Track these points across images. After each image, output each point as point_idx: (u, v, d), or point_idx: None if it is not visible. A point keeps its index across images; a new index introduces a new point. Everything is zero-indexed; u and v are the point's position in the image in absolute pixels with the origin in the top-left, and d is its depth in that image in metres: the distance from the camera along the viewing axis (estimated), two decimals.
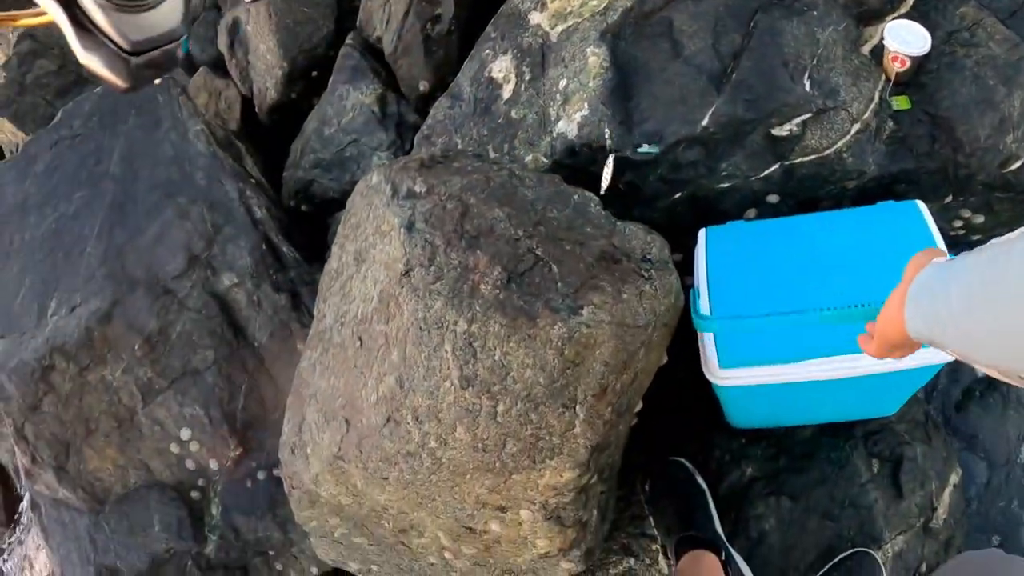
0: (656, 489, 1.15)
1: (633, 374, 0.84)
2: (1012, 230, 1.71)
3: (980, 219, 1.46)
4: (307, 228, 1.71)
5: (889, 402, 1.20)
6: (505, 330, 0.81)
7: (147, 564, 1.44)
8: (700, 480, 1.14)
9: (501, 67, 1.32)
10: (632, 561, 1.14)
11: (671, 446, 1.18)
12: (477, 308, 0.83)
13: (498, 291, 0.82)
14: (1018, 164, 1.31)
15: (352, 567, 1.33)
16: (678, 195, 1.18)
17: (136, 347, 1.39)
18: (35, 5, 0.49)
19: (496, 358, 0.83)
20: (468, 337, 0.84)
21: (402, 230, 0.92)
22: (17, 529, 1.80)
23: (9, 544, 1.79)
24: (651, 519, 1.15)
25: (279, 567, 1.56)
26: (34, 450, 1.44)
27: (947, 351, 0.54)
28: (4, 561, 1.76)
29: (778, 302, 0.96)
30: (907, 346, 0.65)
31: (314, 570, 1.52)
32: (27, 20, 0.55)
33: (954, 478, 1.43)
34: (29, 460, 1.45)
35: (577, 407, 0.82)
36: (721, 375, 0.92)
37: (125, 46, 0.50)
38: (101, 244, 1.46)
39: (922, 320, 0.54)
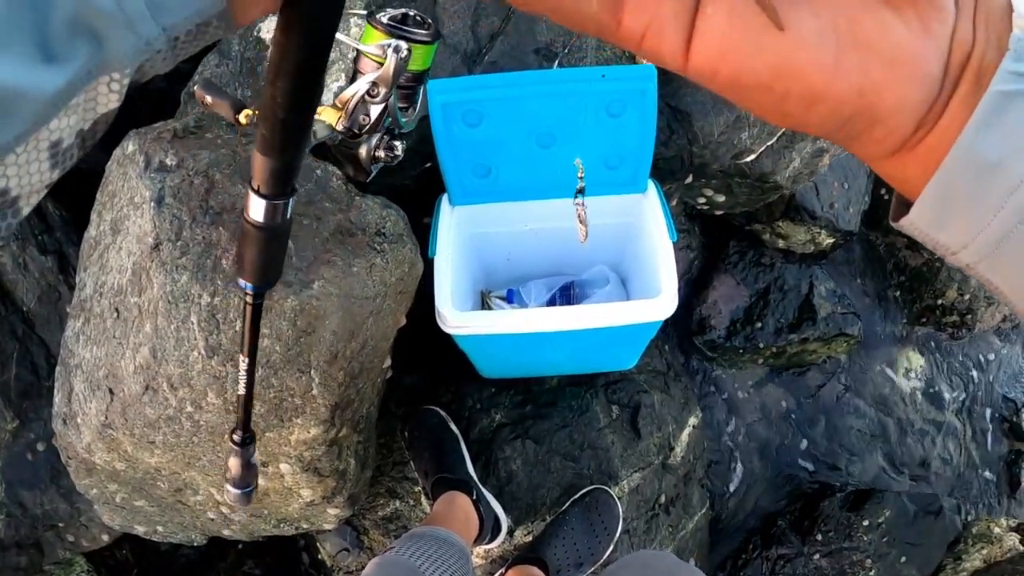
0: (414, 436, 1.27)
1: (363, 341, 0.95)
2: (751, 211, 2.00)
3: (721, 198, 1.67)
4: (73, 186, 1.65)
5: (623, 355, 1.39)
6: (244, 303, 0.89)
7: None
8: (453, 426, 1.27)
9: (270, 28, 1.33)
10: (397, 503, 1.26)
11: (426, 396, 1.30)
12: (219, 282, 0.90)
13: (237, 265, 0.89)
14: (752, 157, 1.51)
15: (139, 530, 1.36)
16: (427, 164, 1.27)
17: None
18: None
19: (237, 328, 0.90)
20: (211, 310, 0.91)
21: (152, 204, 0.96)
22: None
23: None
24: (412, 464, 1.27)
25: (71, 538, 1.56)
26: None
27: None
28: None
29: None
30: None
31: (105, 537, 1.53)
32: None
33: (693, 420, 1.67)
34: None
35: (312, 372, 0.92)
36: (452, 324, 1.04)
37: None
38: None
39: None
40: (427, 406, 1.29)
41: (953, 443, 2.02)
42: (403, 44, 0.52)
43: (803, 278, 1.85)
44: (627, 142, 1.11)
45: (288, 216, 0.49)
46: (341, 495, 1.14)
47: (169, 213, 0.95)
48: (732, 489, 1.84)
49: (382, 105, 0.53)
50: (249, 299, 0.58)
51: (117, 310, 1.03)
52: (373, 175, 0.63)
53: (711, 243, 1.82)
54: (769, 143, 1.52)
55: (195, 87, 0.76)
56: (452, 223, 1.16)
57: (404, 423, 1.29)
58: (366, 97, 0.54)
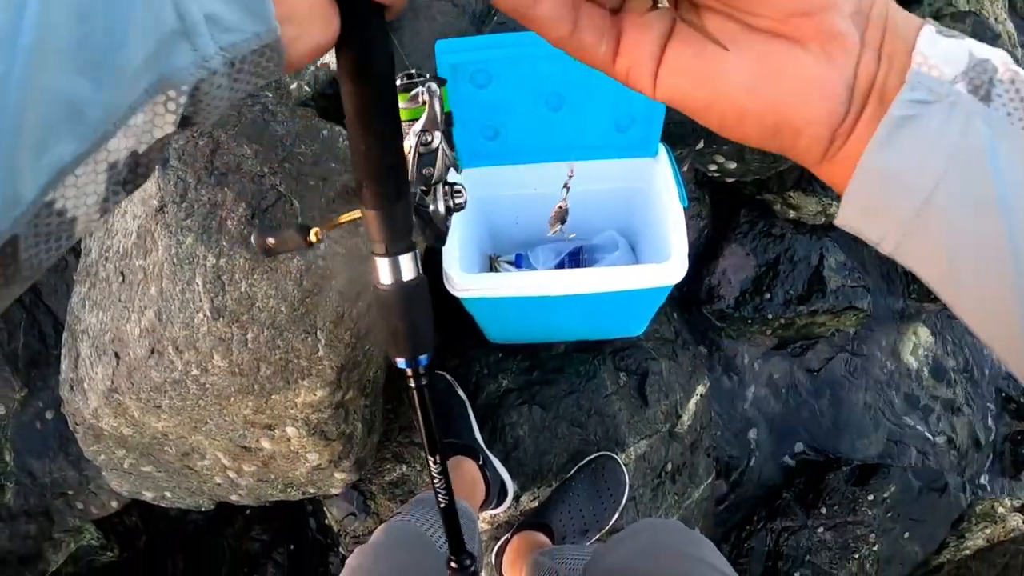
0: None
1: (369, 302, 0.94)
2: (762, 179, 1.97)
3: (733, 165, 1.65)
4: None
5: (632, 321, 1.38)
6: (249, 263, 0.88)
7: None
8: (460, 391, 1.27)
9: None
10: (404, 468, 1.26)
11: (434, 361, 1.29)
12: (224, 243, 0.89)
13: (243, 227, 0.88)
14: None
15: (147, 496, 1.37)
16: None
17: None
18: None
19: (243, 290, 0.90)
20: (217, 271, 0.90)
21: (157, 166, 0.95)
22: None
23: None
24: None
25: (80, 506, 1.57)
26: None
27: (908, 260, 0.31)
28: None
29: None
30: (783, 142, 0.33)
31: (114, 504, 1.54)
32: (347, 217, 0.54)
33: (701, 388, 1.66)
34: None
35: (318, 333, 0.91)
36: (460, 286, 1.03)
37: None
38: None
39: (940, 250, 0.30)
40: (435, 371, 1.28)
41: (959, 421, 2.00)
42: (433, 84, 0.51)
43: (813, 250, 1.83)
44: (637, 104, 1.09)
45: (421, 271, 0.47)
46: (348, 459, 1.14)
47: (174, 175, 0.94)
48: (737, 460, 1.84)
49: (439, 151, 0.52)
50: (411, 381, 0.52)
51: (123, 274, 1.03)
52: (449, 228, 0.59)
53: (721, 212, 1.80)
54: None
55: (252, 237, 0.75)
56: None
57: None
58: (421, 149, 0.53)
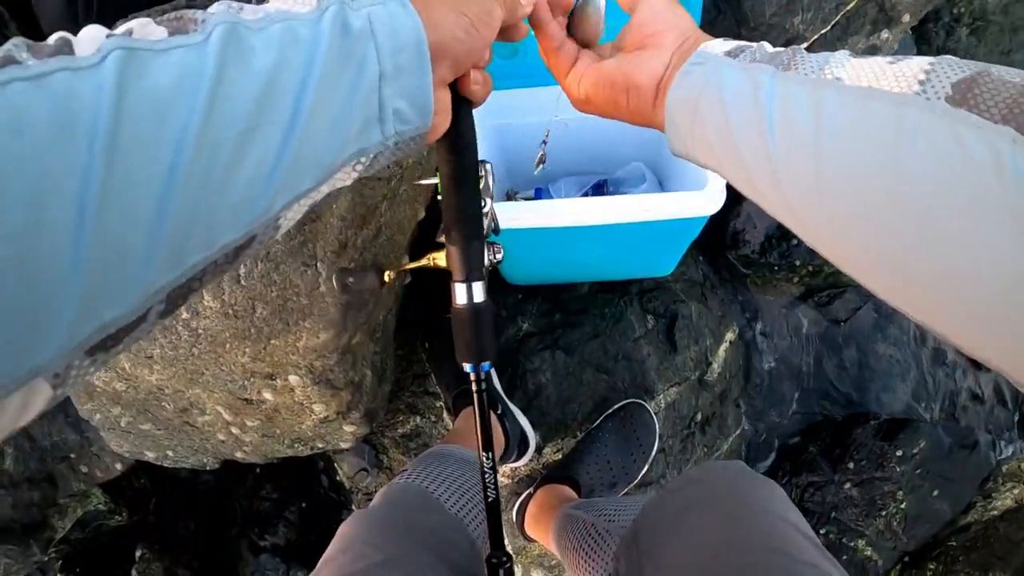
0: (434, 346, 1.18)
1: (376, 228, 0.84)
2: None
3: None
4: None
5: (661, 259, 1.27)
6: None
7: None
8: None
9: None
10: (418, 419, 1.18)
11: (448, 304, 1.20)
12: None
13: None
14: (805, 46, 1.38)
15: (149, 456, 1.30)
16: None
17: None
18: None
19: None
20: None
21: None
22: None
23: None
24: (432, 377, 1.17)
25: (84, 469, 1.51)
26: None
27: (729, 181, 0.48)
28: None
29: None
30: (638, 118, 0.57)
31: (119, 466, 1.48)
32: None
33: (730, 335, 1.56)
34: None
35: (318, 264, 0.81)
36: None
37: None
38: None
39: (706, 140, 0.47)
40: (448, 314, 1.19)
41: (984, 378, 1.90)
42: (488, 164, 0.62)
43: None
44: None
45: (489, 296, 0.61)
46: (357, 410, 1.05)
47: None
48: (762, 412, 1.75)
49: (490, 213, 0.63)
50: (473, 384, 0.63)
51: None
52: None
53: None
54: (823, 31, 1.41)
55: (332, 281, 0.83)
56: None
57: (424, 333, 1.19)
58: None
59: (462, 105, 0.50)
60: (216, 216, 0.32)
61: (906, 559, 1.62)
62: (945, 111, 0.33)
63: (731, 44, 0.48)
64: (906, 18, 1.54)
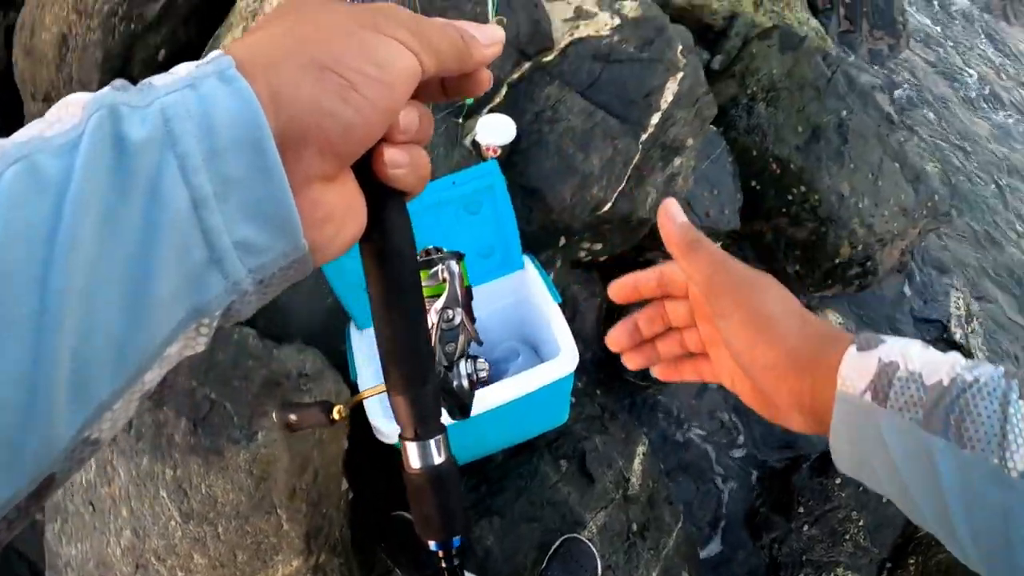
0: (390, 544, 1.38)
1: (314, 471, 1.08)
2: (634, 245, 2.00)
3: (599, 246, 1.79)
4: None
5: (551, 413, 1.52)
6: (203, 468, 1.01)
7: None
8: None
9: None
10: None
11: (392, 503, 1.40)
12: (177, 456, 1.03)
13: (188, 437, 1.02)
14: (608, 206, 1.63)
15: None
16: (328, 300, 1.35)
17: None
18: None
19: (204, 492, 1.02)
20: (177, 481, 1.03)
21: None
22: None
23: None
24: (396, 571, 1.37)
25: None
26: None
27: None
28: None
29: None
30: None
31: None
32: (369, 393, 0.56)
33: (641, 448, 1.80)
34: None
35: (278, 510, 1.04)
36: (389, 435, 1.12)
37: None
38: None
39: (879, 485, 0.45)
40: (393, 513, 1.40)
41: None
42: (452, 261, 0.53)
43: None
44: (492, 232, 1.28)
45: (450, 453, 0.45)
46: None
47: None
48: (702, 497, 1.97)
49: (461, 326, 0.53)
50: (443, 562, 0.49)
51: (92, 504, 1.14)
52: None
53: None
54: (619, 188, 1.63)
55: (274, 414, 0.80)
56: (363, 345, 1.26)
57: (379, 535, 1.39)
58: (444, 326, 0.54)
59: (383, 195, 0.36)
60: None
61: (888, 565, 1.74)
62: None
63: (868, 375, 0.42)
64: (690, 141, 1.77)
